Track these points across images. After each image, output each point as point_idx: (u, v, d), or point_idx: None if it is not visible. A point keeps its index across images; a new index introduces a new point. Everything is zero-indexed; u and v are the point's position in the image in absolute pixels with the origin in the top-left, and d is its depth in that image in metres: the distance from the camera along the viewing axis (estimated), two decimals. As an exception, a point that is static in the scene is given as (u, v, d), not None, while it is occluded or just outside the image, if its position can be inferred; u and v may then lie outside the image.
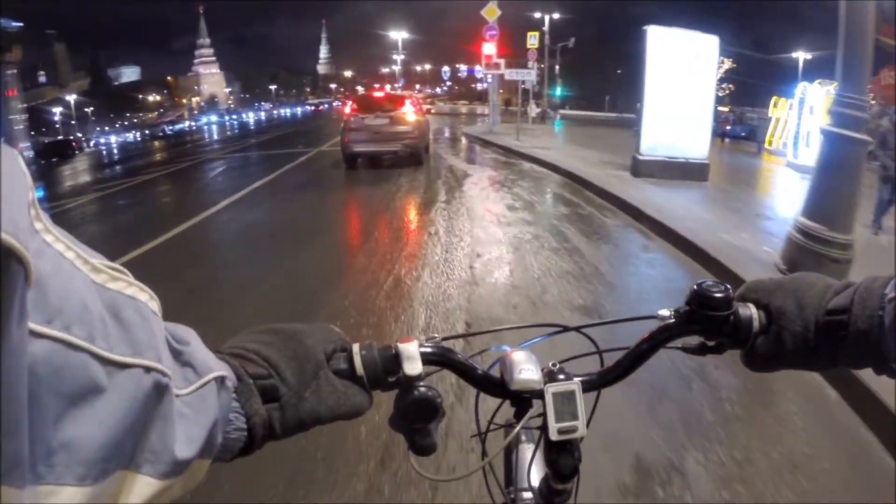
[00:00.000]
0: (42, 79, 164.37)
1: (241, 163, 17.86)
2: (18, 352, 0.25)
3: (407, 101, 12.63)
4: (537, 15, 37.18)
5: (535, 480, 0.77)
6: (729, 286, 0.64)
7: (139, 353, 0.34)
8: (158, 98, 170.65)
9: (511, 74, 19.03)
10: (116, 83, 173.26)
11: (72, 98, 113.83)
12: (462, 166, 13.07)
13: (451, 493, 2.21)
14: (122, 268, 0.36)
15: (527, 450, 0.93)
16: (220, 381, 0.45)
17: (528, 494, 0.84)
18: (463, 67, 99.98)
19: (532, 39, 27.08)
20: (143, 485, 0.35)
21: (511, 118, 35.57)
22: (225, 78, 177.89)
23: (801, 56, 50.43)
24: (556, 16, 38.90)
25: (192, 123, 75.15)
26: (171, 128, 70.30)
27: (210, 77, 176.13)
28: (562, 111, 39.39)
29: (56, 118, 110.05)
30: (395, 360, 0.60)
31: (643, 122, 10.22)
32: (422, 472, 0.65)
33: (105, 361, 0.32)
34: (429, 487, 2.30)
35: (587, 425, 0.66)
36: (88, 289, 0.32)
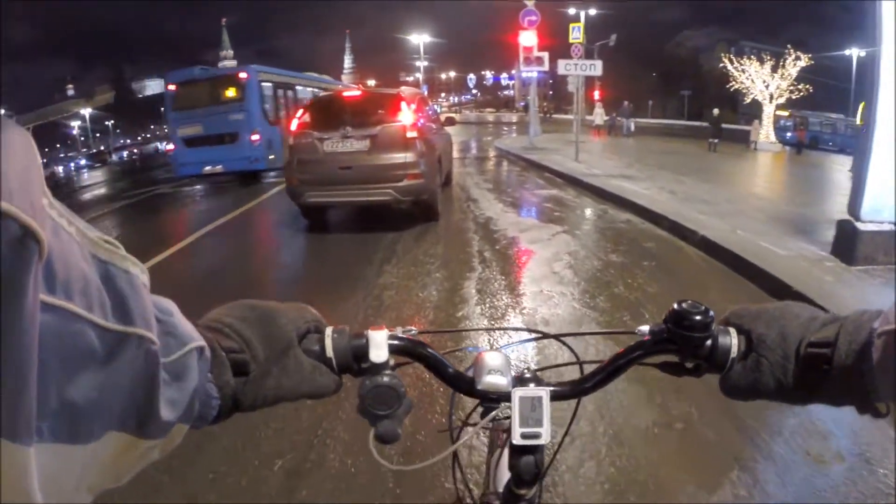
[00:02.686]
0: (70, 92, 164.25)
1: (182, 202, 12.49)
2: (32, 321, 0.26)
3: (404, 106, 6.69)
4: (572, 11, 31.39)
5: (502, 484, 0.78)
6: (710, 309, 0.62)
7: (132, 323, 0.36)
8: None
9: (568, 68, 13.27)
10: (140, 96, 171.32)
11: (87, 112, 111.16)
12: (507, 222, 7.33)
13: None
14: (116, 242, 0.37)
15: (498, 456, 0.97)
16: (199, 351, 0.46)
17: (495, 497, 0.88)
18: (488, 74, 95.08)
19: (576, 32, 21.05)
20: (130, 444, 0.38)
21: (548, 127, 29.31)
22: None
23: (855, 53, 44.64)
24: (592, 12, 33.26)
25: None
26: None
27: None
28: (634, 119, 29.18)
29: (74, 132, 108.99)
30: (366, 346, 0.61)
31: (870, 159, 4.88)
32: (381, 460, 0.64)
33: (102, 330, 0.33)
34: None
35: (565, 435, 0.78)
36: (87, 261, 0.33)
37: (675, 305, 0.63)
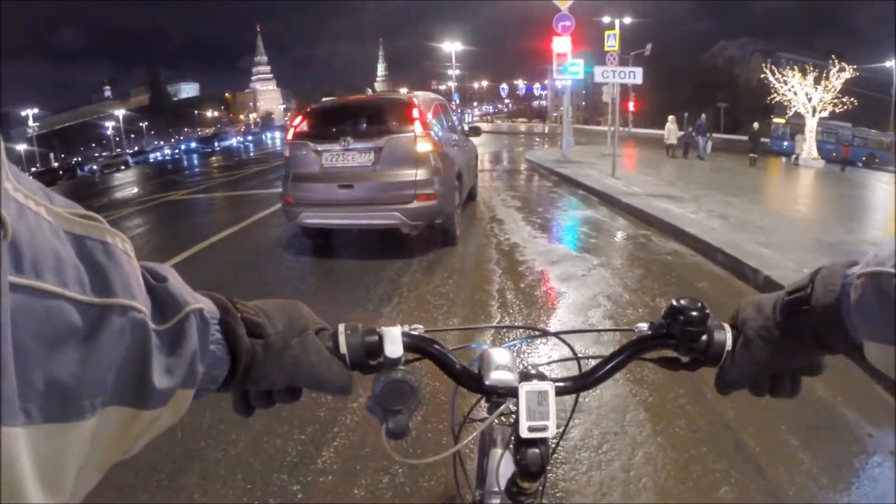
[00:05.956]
0: (107, 93, 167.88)
1: (186, 213, 11.76)
2: (1, 302, 0.27)
3: (416, 114, 5.62)
4: (606, 19, 30.08)
5: (504, 480, 0.76)
6: (706, 306, 0.64)
7: (113, 294, 0.35)
8: (216, 114, 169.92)
9: (605, 75, 12.21)
10: (176, 99, 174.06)
11: (120, 113, 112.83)
12: (536, 250, 6.33)
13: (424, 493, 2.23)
14: (94, 214, 0.36)
15: (500, 452, 0.95)
16: (198, 314, 0.45)
17: (496, 493, 0.86)
18: (521, 84, 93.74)
19: (611, 40, 20.01)
20: (131, 417, 0.37)
21: (581, 138, 27.83)
22: (282, 95, 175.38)
23: (896, 64, 42.38)
24: (627, 20, 31.82)
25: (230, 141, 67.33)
26: (218, 144, 62.38)
27: (266, 94, 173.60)
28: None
29: (109, 132, 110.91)
30: (378, 344, 0.61)
31: None
32: (393, 454, 0.64)
33: (81, 304, 0.32)
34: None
35: (564, 431, 0.81)
36: (59, 238, 0.33)
37: (674, 302, 0.64)
